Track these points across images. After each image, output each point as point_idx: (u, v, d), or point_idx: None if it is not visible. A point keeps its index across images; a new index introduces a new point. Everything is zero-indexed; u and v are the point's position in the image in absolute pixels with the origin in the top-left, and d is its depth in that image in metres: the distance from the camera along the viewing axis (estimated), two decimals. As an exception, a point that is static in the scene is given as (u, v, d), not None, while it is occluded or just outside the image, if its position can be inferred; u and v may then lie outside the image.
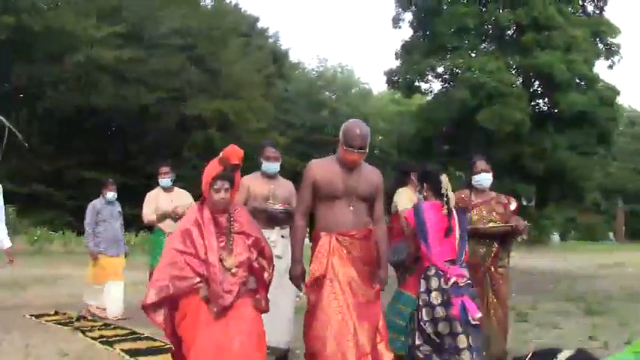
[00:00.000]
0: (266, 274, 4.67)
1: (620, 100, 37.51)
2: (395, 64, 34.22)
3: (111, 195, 9.50)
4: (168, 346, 7.02)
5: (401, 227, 6.55)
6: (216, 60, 41.04)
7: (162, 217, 8.34)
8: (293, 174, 32.25)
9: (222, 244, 4.52)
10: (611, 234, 55.80)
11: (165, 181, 8.56)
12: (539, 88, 32.35)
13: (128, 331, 8.14)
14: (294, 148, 46.65)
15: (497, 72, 28.41)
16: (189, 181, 40.99)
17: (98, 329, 8.30)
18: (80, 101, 34.20)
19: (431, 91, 34.21)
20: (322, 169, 4.81)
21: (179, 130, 39.99)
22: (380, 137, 52.50)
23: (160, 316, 4.58)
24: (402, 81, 33.24)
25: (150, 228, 9.25)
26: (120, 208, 9.76)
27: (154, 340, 7.50)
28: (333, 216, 4.74)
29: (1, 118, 10.59)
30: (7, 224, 7.36)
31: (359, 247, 4.75)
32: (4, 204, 7.31)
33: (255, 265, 4.60)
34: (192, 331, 4.40)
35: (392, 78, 33.89)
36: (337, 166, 4.79)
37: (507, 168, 28.76)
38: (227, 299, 4.37)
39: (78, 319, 9.00)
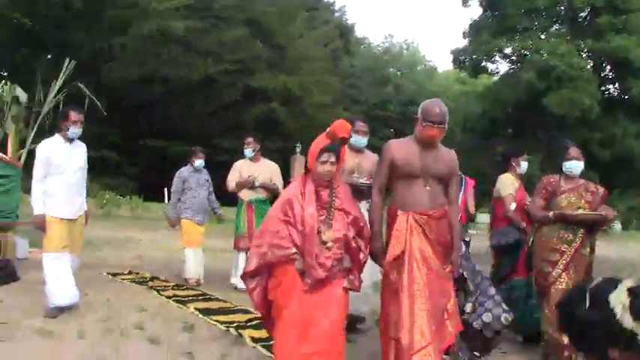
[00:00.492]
0: (362, 255, 4.64)
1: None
2: (462, 43, 33.79)
3: (199, 162, 9.53)
4: (239, 307, 7.30)
5: (505, 212, 6.92)
6: (282, 34, 41.24)
7: (239, 186, 8.60)
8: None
9: (322, 217, 4.52)
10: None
11: (247, 151, 8.81)
12: (610, 73, 31.61)
13: (199, 292, 8.47)
14: (356, 124, 46.70)
15: (568, 55, 27.76)
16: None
17: (171, 289, 8.63)
18: (147, 71, 34.87)
19: (498, 72, 33.60)
20: (400, 148, 4.82)
21: (243, 103, 40.39)
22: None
23: (254, 281, 4.66)
24: (469, 60, 32.74)
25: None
26: (208, 177, 9.78)
27: (225, 301, 7.79)
28: (410, 195, 4.76)
29: (82, 86, 10.92)
30: None
31: (435, 227, 4.76)
32: None
33: (353, 244, 4.59)
34: (283, 301, 4.46)
35: (459, 57, 33.43)
36: (415, 146, 4.80)
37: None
38: (320, 272, 4.39)
39: (152, 279, 9.34)
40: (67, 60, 10.92)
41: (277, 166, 8.99)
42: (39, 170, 6.66)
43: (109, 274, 9.64)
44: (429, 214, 4.74)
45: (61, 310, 6.54)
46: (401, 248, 4.61)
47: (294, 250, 4.45)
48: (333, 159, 4.54)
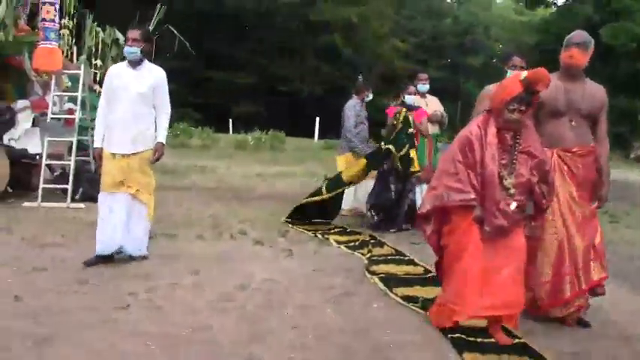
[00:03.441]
0: (544, 202, 4.37)
1: None
2: (520, -28, 33.92)
3: (370, 97, 9.67)
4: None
5: None
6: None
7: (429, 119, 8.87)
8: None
9: (504, 161, 4.25)
10: None
11: (424, 86, 8.99)
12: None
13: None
14: (414, 55, 47.07)
15: (625, -13, 27.87)
16: (308, 84, 42.26)
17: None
18: (212, 3, 35.85)
19: (555, 4, 33.65)
20: None
21: (303, 34, 41.15)
22: (500, 45, 52.05)
23: (429, 225, 4.54)
24: (527, -9, 32.92)
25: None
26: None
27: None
28: (555, 132, 4.72)
29: (172, 29, 12.16)
30: None
31: (580, 164, 4.71)
32: None
33: (537, 189, 4.31)
34: (459, 249, 4.31)
35: (516, -12, 33.73)
36: (560, 82, 4.75)
37: (626, 85, 28.58)
38: (501, 220, 4.18)
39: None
40: (159, 5, 12.10)
41: (438, 101, 9.22)
42: (102, 97, 6.20)
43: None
44: (574, 150, 4.71)
45: (100, 261, 5.85)
46: None
47: (473, 195, 4.22)
48: (523, 108, 4.21)
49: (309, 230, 8.00)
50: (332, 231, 8.03)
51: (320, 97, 40.32)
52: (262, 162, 18.88)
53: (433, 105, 9.03)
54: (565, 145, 4.70)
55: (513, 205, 4.20)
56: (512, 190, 4.20)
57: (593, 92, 4.79)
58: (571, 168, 4.69)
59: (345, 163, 9.31)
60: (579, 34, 4.76)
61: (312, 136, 30.55)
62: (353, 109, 9.39)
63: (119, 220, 5.90)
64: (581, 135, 4.74)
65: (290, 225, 8.34)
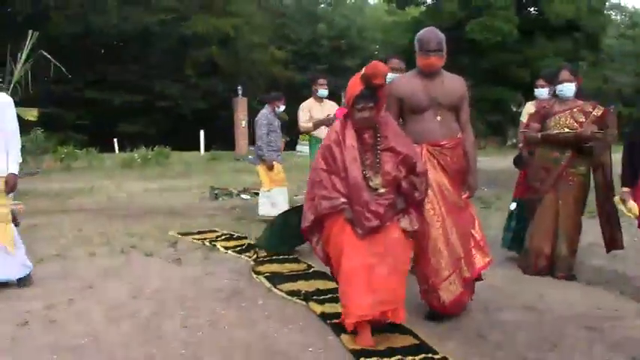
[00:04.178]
0: (417, 194, 4.31)
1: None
2: (388, -26, 34.89)
3: (282, 108, 9.94)
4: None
5: None
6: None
7: (319, 124, 8.81)
8: (291, 88, 33.38)
9: (369, 161, 4.27)
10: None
11: (322, 91, 9.04)
12: (528, -2, 33.25)
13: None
14: (292, 62, 47.81)
15: (486, -17, 29.44)
16: (189, 99, 42.28)
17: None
18: (83, 25, 35.45)
19: (424, 3, 34.94)
20: (404, 84, 4.86)
21: (180, 49, 41.20)
22: (377, 46, 53.36)
23: (314, 236, 4.56)
24: (396, -8, 33.94)
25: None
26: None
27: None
28: (421, 128, 4.79)
29: (46, 54, 12.17)
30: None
31: (449, 156, 4.81)
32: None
33: (404, 184, 4.29)
34: (338, 253, 4.31)
35: (386, -12, 34.72)
36: (418, 79, 4.83)
37: (494, 76, 30.36)
38: (373, 221, 4.18)
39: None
40: (30, 32, 12.06)
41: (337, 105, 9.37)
42: None
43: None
44: (442, 144, 4.80)
45: None
46: None
47: (342, 199, 4.24)
48: (370, 104, 4.24)
49: (198, 239, 8.34)
50: (219, 238, 8.41)
51: (202, 110, 40.56)
52: (149, 178, 18.96)
53: (330, 109, 9.07)
54: (432, 139, 4.78)
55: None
56: (381, 190, 4.21)
57: (452, 84, 4.89)
58: (440, 161, 4.78)
59: (264, 173, 9.71)
60: (434, 39, 4.76)
61: (197, 148, 30.79)
62: (266, 118, 9.74)
63: None
64: (447, 127, 4.84)
65: (179, 235, 8.67)
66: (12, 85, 11.84)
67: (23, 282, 6.04)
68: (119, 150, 31.09)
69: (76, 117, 37.24)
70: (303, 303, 5.35)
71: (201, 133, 31.01)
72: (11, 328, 4.82)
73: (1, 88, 6.29)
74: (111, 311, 5.21)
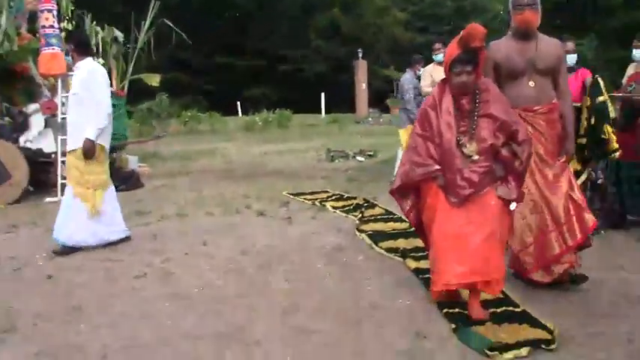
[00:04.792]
0: (517, 162, 4.12)
1: None
2: None
3: (422, 70, 9.89)
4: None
5: None
6: None
7: None
8: (411, 48, 33.08)
9: (464, 128, 4.12)
10: None
11: (438, 56, 9.13)
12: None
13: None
14: (413, 23, 47.14)
15: None
16: (311, 62, 42.60)
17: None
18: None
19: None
20: (500, 47, 4.75)
21: (304, 14, 41.52)
22: (502, 7, 51.73)
23: (406, 201, 4.51)
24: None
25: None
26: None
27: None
28: (516, 93, 4.65)
29: (168, 22, 12.71)
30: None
31: (543, 122, 4.68)
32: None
33: (504, 152, 4.13)
34: (432, 221, 4.24)
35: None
36: (514, 43, 4.74)
37: (622, 36, 28.80)
38: (466, 189, 4.07)
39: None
40: (153, 1, 12.63)
41: None
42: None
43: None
44: (536, 109, 4.68)
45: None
46: None
47: (435, 166, 4.15)
48: (468, 68, 4.08)
49: (309, 200, 8.66)
50: (330, 198, 8.71)
51: (324, 73, 40.80)
52: (270, 141, 19.51)
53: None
54: (526, 104, 4.64)
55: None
56: (475, 157, 4.06)
57: (548, 47, 4.72)
58: (535, 127, 4.63)
59: (408, 136, 9.79)
60: None
61: (319, 111, 31.11)
62: (410, 81, 9.87)
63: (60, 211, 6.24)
64: (542, 92, 4.70)
65: (292, 196, 9.01)
66: (136, 52, 12.48)
67: (63, 250, 6.10)
68: (242, 113, 31.89)
69: (201, 82, 38.40)
70: (401, 259, 5.56)
71: (322, 95, 31.19)
72: (131, 279, 5.27)
73: (89, 54, 6.47)
74: (221, 265, 5.59)
